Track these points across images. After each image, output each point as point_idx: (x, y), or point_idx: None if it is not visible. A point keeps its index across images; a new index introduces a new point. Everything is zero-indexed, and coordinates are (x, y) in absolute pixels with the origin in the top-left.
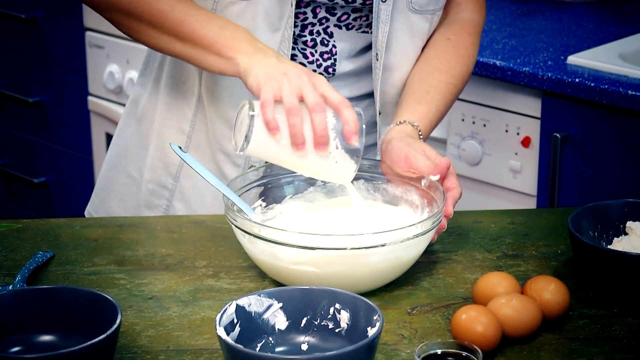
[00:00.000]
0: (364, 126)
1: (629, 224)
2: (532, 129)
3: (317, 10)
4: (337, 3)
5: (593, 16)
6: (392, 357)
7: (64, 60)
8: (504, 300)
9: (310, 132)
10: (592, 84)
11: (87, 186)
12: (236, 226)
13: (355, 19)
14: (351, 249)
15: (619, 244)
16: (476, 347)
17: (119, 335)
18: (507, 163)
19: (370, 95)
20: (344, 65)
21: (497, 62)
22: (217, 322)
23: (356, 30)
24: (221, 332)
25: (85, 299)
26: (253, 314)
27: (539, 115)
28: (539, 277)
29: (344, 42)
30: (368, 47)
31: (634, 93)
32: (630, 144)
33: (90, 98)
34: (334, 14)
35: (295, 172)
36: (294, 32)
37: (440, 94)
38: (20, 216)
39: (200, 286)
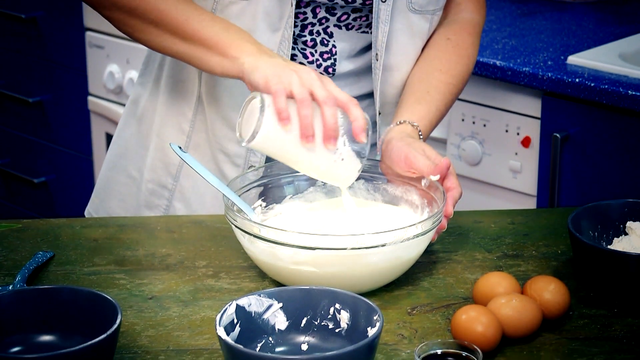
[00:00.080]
0: (369, 128)
1: (629, 224)
2: (532, 129)
3: (317, 10)
4: (337, 3)
5: (593, 16)
6: (392, 357)
7: (64, 60)
8: (504, 300)
9: (319, 128)
10: (592, 84)
11: (87, 186)
12: (236, 226)
13: (355, 19)
14: (351, 249)
15: (619, 244)
16: (476, 347)
17: (119, 335)
18: (507, 163)
19: (370, 95)
20: (344, 65)
21: (497, 62)
22: (217, 322)
23: (356, 30)
24: (221, 332)
25: (85, 299)
26: (253, 314)
27: (539, 115)
28: (539, 277)
29: (343, 42)
30: (368, 47)
31: (634, 93)
32: (630, 144)
33: (90, 98)
34: (333, 14)
35: (295, 172)
36: (294, 32)
37: (440, 94)
38: (20, 216)
39: (200, 286)
